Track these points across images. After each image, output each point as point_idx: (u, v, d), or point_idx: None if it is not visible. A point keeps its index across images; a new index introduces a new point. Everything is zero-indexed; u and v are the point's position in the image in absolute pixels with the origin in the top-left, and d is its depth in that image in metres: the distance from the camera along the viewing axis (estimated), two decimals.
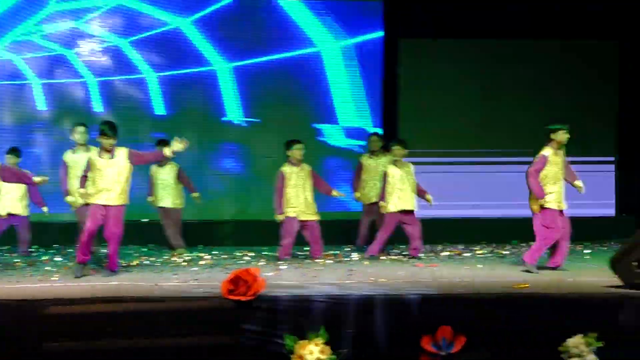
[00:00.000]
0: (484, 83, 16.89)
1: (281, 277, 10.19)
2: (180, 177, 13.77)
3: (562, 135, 11.05)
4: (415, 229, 12.67)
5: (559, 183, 11.08)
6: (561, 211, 11.09)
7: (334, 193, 12.84)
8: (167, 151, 10.82)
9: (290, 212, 12.43)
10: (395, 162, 12.82)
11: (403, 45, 16.74)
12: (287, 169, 12.53)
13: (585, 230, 15.23)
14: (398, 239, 13.30)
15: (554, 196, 11.00)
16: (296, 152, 12.51)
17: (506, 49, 16.96)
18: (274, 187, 12.57)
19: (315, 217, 12.57)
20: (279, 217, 12.49)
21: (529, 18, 16.54)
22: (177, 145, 10.59)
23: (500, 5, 16.40)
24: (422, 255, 12.75)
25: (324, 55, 16.37)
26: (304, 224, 12.52)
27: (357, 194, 14.02)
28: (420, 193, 12.85)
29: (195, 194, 13.85)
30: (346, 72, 16.51)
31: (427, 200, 12.80)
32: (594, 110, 16.76)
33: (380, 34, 16.50)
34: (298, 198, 12.46)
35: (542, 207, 10.98)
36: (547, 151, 11.05)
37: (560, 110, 16.01)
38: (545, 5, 16.45)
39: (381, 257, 12.72)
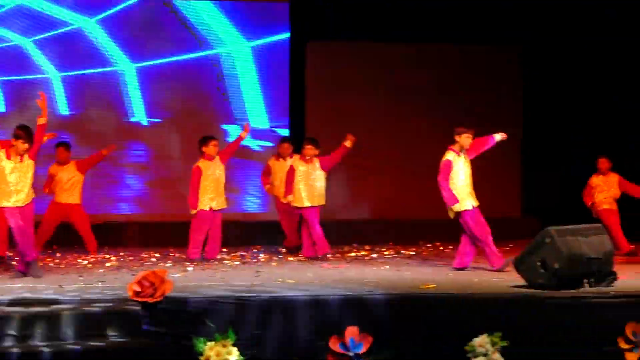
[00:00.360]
0: (391, 85, 17.01)
1: (188, 278, 10.11)
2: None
3: (465, 140, 11.19)
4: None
5: (465, 182, 11.17)
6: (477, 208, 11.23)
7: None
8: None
9: (205, 206, 12.39)
10: (301, 158, 12.88)
11: (310, 47, 16.77)
12: (202, 164, 12.47)
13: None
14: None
15: (465, 197, 11.11)
16: (212, 148, 12.49)
17: (413, 52, 17.10)
18: (190, 182, 12.50)
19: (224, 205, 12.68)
20: (193, 212, 12.43)
21: (435, 22, 16.69)
22: None
23: (407, 9, 16.53)
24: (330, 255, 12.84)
25: (233, 55, 16.32)
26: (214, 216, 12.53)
27: (268, 186, 14.04)
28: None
29: None
30: (254, 73, 16.48)
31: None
32: (499, 113, 16.98)
33: (286, 35, 16.50)
34: (214, 192, 12.46)
35: (460, 212, 11.11)
36: (450, 155, 11.17)
37: (466, 113, 16.19)
38: (452, 10, 16.62)
39: (289, 259, 12.75)
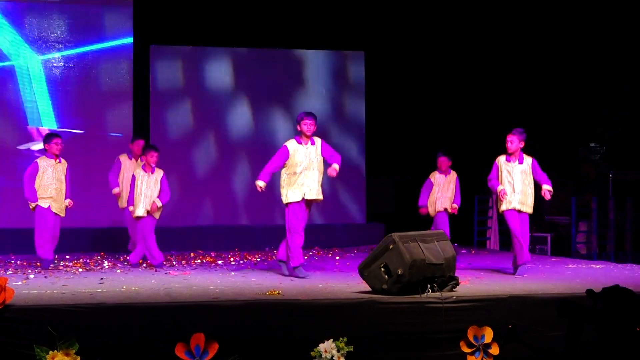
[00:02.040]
0: (237, 90, 17.04)
1: (30, 286, 9.87)
2: None
3: (304, 126, 11.22)
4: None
5: (307, 172, 11.21)
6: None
7: (66, 202, 12.48)
8: None
9: (44, 203, 12.10)
10: (144, 167, 12.60)
11: (154, 51, 16.68)
12: (43, 162, 12.21)
13: (336, 237, 15.63)
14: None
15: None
16: (54, 146, 12.22)
17: (259, 56, 17.19)
18: (24, 176, 12.23)
19: (62, 214, 12.37)
20: (33, 205, 12.19)
21: (282, 27, 16.82)
22: None
23: (254, 14, 16.62)
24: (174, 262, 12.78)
25: (64, 61, 16.09)
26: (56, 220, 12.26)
27: (117, 190, 13.78)
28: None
29: None
30: (96, 78, 16.28)
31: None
32: (344, 119, 17.21)
33: (130, 39, 16.35)
34: (55, 191, 12.20)
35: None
36: (289, 142, 11.28)
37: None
38: (296, 15, 16.77)
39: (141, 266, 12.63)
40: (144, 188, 12.48)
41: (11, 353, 7.81)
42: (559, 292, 9.35)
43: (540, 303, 9.03)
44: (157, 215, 12.56)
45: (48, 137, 12.49)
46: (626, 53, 16.02)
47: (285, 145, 11.21)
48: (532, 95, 16.73)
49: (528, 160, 11.39)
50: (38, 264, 12.46)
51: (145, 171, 12.52)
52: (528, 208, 11.38)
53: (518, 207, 11.31)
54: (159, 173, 12.61)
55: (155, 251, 12.47)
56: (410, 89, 17.52)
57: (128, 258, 12.85)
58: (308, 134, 11.20)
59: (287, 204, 11.19)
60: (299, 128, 11.24)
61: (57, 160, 12.33)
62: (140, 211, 12.43)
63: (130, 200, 12.60)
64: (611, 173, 15.67)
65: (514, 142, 11.33)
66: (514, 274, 11.29)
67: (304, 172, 11.15)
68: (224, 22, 16.71)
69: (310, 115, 11.27)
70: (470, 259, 13.62)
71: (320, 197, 11.31)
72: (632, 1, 15.70)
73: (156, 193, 12.53)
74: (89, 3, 16.31)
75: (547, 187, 11.32)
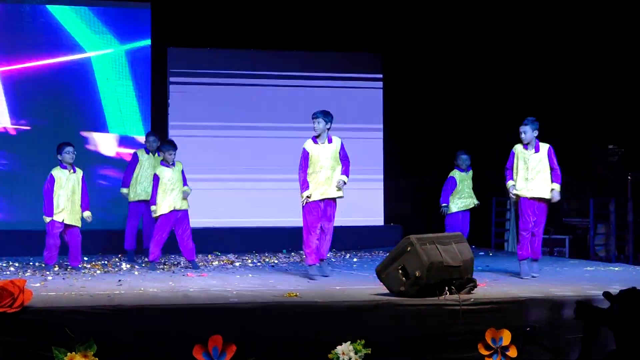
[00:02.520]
0: (253, 93, 17.06)
1: (48, 288, 9.91)
2: None
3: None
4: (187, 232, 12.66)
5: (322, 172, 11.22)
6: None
7: (85, 215, 12.43)
8: None
9: (58, 217, 12.10)
10: (163, 164, 12.65)
11: (172, 53, 16.73)
12: (57, 172, 12.17)
13: (353, 239, 15.61)
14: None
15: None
16: (66, 155, 12.16)
17: (276, 58, 17.19)
18: (43, 190, 12.19)
19: (78, 224, 12.29)
20: (47, 220, 12.14)
21: (298, 29, 16.82)
22: None
23: (270, 16, 16.63)
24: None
25: (93, 61, 16.10)
26: (67, 229, 12.21)
27: (125, 190, 13.82)
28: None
29: None
30: (117, 80, 16.31)
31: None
32: (362, 120, 17.18)
33: (147, 42, 16.40)
34: (67, 201, 12.13)
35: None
36: (307, 143, 11.30)
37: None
38: (314, 16, 16.78)
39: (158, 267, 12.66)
40: (168, 185, 12.52)
41: (29, 354, 7.83)
42: (577, 295, 9.29)
43: (558, 305, 8.98)
44: (185, 205, 12.61)
45: (61, 147, 12.27)
46: None
47: (303, 147, 11.24)
48: (550, 97, 16.66)
49: (544, 147, 11.32)
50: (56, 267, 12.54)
51: (167, 167, 12.59)
52: (544, 194, 11.30)
53: (531, 194, 11.23)
54: (179, 165, 12.71)
55: (156, 248, 12.57)
56: (428, 90, 17.48)
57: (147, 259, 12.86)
58: (315, 132, 11.24)
59: (304, 202, 11.21)
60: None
61: (72, 171, 12.28)
62: (164, 209, 12.49)
63: (153, 200, 12.62)
64: (630, 175, 15.60)
65: (527, 132, 11.28)
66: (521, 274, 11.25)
67: (321, 171, 11.16)
68: (242, 24, 16.72)
69: (313, 114, 11.31)
70: (488, 261, 13.59)
71: (339, 194, 11.31)
72: None
73: (180, 185, 12.63)
74: (107, 6, 16.34)
75: (554, 186, 11.21)
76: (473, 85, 17.28)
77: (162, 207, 12.50)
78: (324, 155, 11.22)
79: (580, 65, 16.42)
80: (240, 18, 16.68)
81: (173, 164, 12.62)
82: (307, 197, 11.17)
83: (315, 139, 11.29)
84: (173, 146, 12.67)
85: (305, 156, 11.23)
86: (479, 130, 17.15)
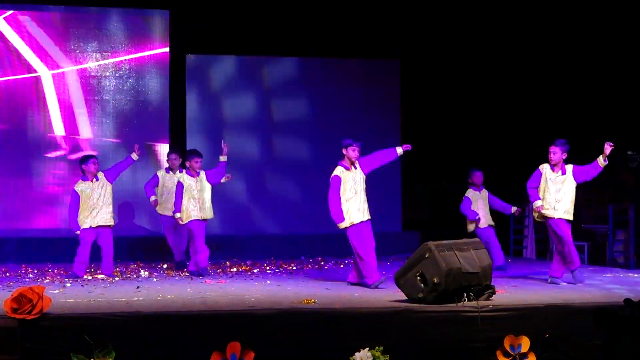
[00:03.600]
0: (272, 99, 17.09)
1: (67, 294, 9.93)
2: None
3: (352, 152, 11.15)
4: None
5: (356, 197, 11.15)
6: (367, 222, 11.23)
7: None
8: None
9: (86, 224, 12.26)
10: (189, 172, 12.69)
11: (190, 60, 16.78)
12: (80, 187, 12.25)
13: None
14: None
15: (353, 210, 11.10)
16: (91, 166, 12.25)
17: (293, 66, 17.22)
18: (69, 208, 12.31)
19: (110, 223, 12.41)
20: (77, 233, 12.29)
21: (317, 36, 16.84)
22: None
23: (284, 24, 16.66)
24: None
25: (105, 68, 16.20)
26: (100, 233, 12.33)
27: (153, 198, 13.88)
28: None
29: None
30: (136, 87, 16.39)
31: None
32: (380, 126, 17.18)
33: (166, 49, 16.45)
34: (94, 208, 12.26)
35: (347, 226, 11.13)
36: (338, 170, 11.17)
37: (347, 127, 16.36)
38: (332, 23, 16.79)
39: (173, 274, 12.67)
40: (194, 193, 12.55)
41: None
42: (596, 302, 9.28)
43: (577, 312, 8.96)
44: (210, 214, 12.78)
45: (85, 159, 12.39)
46: None
47: (336, 175, 11.17)
48: (567, 102, 16.61)
49: (569, 168, 11.39)
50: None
51: (192, 176, 12.62)
52: (571, 215, 11.37)
53: (558, 215, 11.32)
54: (203, 174, 12.76)
55: (202, 255, 12.62)
56: (445, 95, 17.46)
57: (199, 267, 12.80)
58: (354, 159, 11.21)
59: (347, 227, 11.19)
60: (345, 152, 11.20)
61: (95, 179, 12.34)
62: (191, 215, 12.56)
63: (177, 208, 12.66)
64: None
65: (557, 153, 11.32)
66: (570, 282, 11.24)
67: (355, 197, 11.16)
68: (260, 31, 16.75)
69: (358, 141, 11.26)
70: (507, 268, 13.54)
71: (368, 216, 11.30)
72: None
73: (207, 194, 12.68)
74: (127, 13, 16.40)
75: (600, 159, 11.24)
76: (491, 89, 17.24)
77: (192, 214, 12.60)
78: (354, 181, 11.20)
79: (597, 70, 16.37)
80: (258, 25, 16.71)
81: (198, 174, 12.66)
82: (346, 225, 11.17)
83: (345, 165, 11.23)
84: (199, 155, 12.73)
85: (337, 182, 11.16)
86: (498, 136, 17.11)
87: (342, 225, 11.07)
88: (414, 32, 17.25)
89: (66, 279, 11.81)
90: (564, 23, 16.42)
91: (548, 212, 11.35)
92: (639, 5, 15.49)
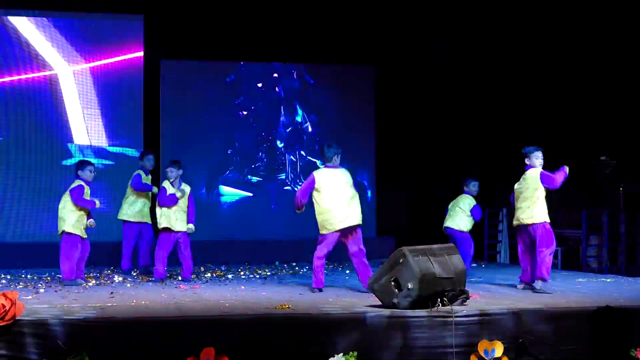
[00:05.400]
0: (245, 103, 17.07)
1: (40, 300, 9.86)
2: None
3: (327, 154, 11.12)
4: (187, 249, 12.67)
5: (337, 200, 11.06)
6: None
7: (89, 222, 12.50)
8: None
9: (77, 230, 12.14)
10: (172, 183, 12.63)
11: (165, 65, 16.74)
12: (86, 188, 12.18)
13: (346, 251, 15.57)
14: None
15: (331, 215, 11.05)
16: (88, 173, 12.15)
17: (267, 70, 17.23)
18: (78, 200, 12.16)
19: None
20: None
21: (291, 42, 16.85)
22: None
23: (264, 29, 16.66)
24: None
25: (77, 75, 16.11)
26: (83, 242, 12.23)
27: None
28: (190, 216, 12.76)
29: None
30: (108, 92, 16.33)
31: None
32: (355, 131, 17.20)
33: (140, 54, 16.40)
34: (82, 216, 12.16)
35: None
36: (317, 171, 11.15)
37: (322, 133, 16.36)
38: (306, 29, 16.80)
39: (148, 280, 12.61)
40: (181, 204, 12.58)
41: None
42: (569, 307, 9.31)
43: (551, 317, 8.98)
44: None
45: (84, 164, 12.31)
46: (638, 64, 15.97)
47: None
48: (542, 108, 16.68)
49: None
50: (49, 278, 12.52)
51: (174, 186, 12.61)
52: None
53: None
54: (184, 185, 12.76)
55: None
56: (420, 101, 17.50)
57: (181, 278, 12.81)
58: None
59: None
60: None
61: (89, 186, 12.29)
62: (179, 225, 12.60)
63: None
64: (622, 186, 15.61)
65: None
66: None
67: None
68: (234, 36, 16.73)
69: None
70: (481, 273, 13.56)
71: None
72: None
73: (185, 206, 12.68)
74: (100, 18, 16.35)
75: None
76: (465, 94, 17.29)
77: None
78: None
79: (573, 75, 16.43)
80: (233, 30, 16.70)
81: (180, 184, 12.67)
82: None
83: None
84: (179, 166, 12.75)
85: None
86: (472, 140, 17.16)
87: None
88: (389, 38, 17.27)
89: (40, 284, 11.74)
90: (537, 24, 16.49)
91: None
92: (608, 22, 15.62)
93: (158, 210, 12.55)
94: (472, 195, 13.69)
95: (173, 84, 16.89)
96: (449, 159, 16.64)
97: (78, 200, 11.94)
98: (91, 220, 12.19)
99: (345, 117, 17.46)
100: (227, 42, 16.80)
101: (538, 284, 10.92)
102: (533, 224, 11.13)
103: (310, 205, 11.10)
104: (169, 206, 12.44)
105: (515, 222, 11.36)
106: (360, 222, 11.10)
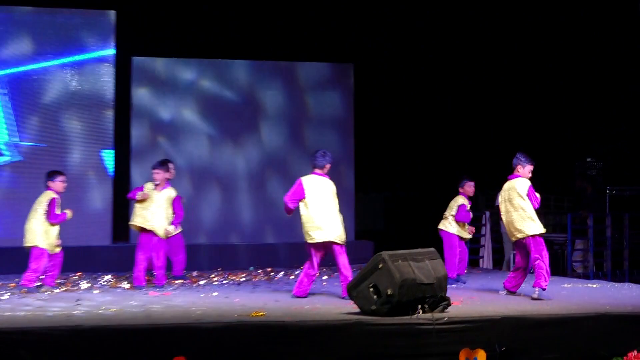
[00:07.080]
0: (220, 101, 16.94)
1: (2, 308, 9.56)
2: None
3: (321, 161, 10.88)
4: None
5: (320, 210, 10.78)
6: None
7: None
8: None
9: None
10: (156, 187, 12.27)
11: (136, 62, 16.58)
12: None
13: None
14: None
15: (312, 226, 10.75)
16: (59, 184, 11.77)
17: (246, 68, 17.10)
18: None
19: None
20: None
21: (270, 39, 16.75)
22: None
23: (243, 27, 16.56)
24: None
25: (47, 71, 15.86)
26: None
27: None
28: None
29: None
30: (74, 89, 16.09)
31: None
32: (333, 132, 17.07)
33: (112, 51, 16.19)
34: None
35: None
36: (305, 177, 10.85)
37: (296, 132, 16.20)
38: (285, 27, 16.71)
39: (118, 286, 12.29)
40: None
41: None
42: (554, 313, 9.19)
43: (534, 324, 8.85)
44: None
45: (54, 175, 11.85)
46: (623, 68, 15.87)
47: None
48: (526, 110, 16.60)
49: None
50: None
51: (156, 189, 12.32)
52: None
53: None
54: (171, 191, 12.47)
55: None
56: (399, 102, 17.38)
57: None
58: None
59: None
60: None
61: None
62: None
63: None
64: (608, 189, 15.47)
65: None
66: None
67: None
68: (208, 34, 16.61)
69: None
70: (464, 278, 13.33)
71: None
72: (629, 17, 15.60)
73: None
74: (69, 14, 16.09)
75: None
76: (447, 96, 17.21)
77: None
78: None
79: (558, 77, 16.39)
80: (206, 28, 16.57)
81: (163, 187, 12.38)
82: None
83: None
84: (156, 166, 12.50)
85: None
86: (453, 143, 17.04)
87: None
88: (369, 35, 17.18)
89: (3, 291, 11.40)
90: (520, 24, 16.43)
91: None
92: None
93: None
94: (467, 196, 13.34)
95: (145, 81, 16.67)
96: (430, 161, 16.49)
97: (54, 219, 11.62)
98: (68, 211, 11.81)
99: (324, 116, 17.25)
100: (201, 40, 16.64)
101: (535, 293, 10.68)
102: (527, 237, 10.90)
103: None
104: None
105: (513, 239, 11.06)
106: (338, 240, 10.75)
